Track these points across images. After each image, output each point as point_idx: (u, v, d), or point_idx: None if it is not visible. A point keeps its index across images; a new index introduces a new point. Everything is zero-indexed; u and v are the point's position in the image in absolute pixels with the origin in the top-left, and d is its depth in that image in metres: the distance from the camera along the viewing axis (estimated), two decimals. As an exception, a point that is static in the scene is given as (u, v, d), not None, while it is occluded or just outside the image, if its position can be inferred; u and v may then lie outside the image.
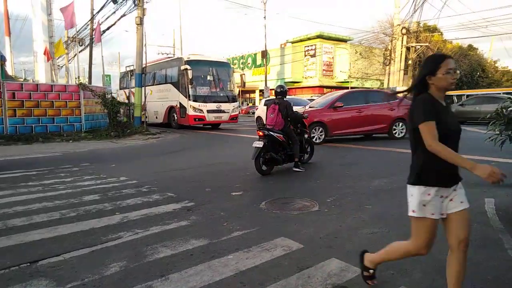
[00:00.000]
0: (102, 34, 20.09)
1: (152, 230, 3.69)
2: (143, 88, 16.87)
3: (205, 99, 16.67)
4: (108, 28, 20.49)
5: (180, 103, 17.12)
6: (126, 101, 17.73)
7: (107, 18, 19.53)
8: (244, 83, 18.65)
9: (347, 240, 3.32)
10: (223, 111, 17.36)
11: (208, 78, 17.29)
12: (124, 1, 16.95)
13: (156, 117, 19.77)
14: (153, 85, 19.65)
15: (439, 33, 34.94)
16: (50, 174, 6.91)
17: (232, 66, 19.48)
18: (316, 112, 10.70)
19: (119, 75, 25.43)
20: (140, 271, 2.79)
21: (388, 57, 30.98)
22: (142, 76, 17.46)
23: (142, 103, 16.84)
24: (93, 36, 20.80)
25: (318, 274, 2.66)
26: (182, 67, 16.32)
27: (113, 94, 17.00)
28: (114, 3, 17.18)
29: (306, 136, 7.26)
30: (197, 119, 16.58)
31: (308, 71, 44.04)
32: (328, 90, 42.41)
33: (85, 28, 24.72)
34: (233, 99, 17.96)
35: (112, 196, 5.15)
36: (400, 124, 11.28)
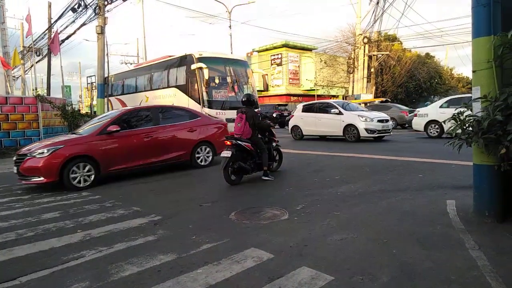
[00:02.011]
0: (61, 44, 19.38)
1: (117, 247, 3.53)
2: (127, 96, 16.09)
3: (223, 105, 13.50)
4: (67, 38, 19.72)
5: None
6: (111, 109, 17.10)
7: (66, 27, 18.66)
8: (267, 85, 16.05)
9: (317, 248, 3.33)
10: None
11: (225, 79, 14.16)
12: (84, 10, 16.40)
13: None
14: (150, 90, 16.65)
15: (399, 42, 36.48)
16: (6, 192, 6.53)
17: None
18: (80, 141, 6.95)
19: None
20: (104, 291, 2.66)
21: (352, 66, 31.94)
22: (109, 85, 16.87)
23: None
24: (50, 46, 19.98)
25: (289, 283, 2.64)
26: (194, 66, 13.20)
27: (73, 106, 16.35)
28: (74, 12, 16.56)
29: (274, 144, 7.29)
30: None
31: (275, 80, 44.57)
32: (295, 98, 43.15)
33: (42, 38, 23.74)
34: (255, 105, 15.41)
35: (73, 212, 4.91)
36: (205, 148, 8.58)
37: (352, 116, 12.76)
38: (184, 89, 14.22)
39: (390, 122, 13.16)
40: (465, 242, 3.26)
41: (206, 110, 12.93)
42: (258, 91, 16.49)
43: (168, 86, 15.34)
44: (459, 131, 3.84)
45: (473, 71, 3.81)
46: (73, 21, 17.27)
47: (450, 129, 3.96)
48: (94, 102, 17.14)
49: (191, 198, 5.52)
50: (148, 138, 7.64)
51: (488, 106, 3.52)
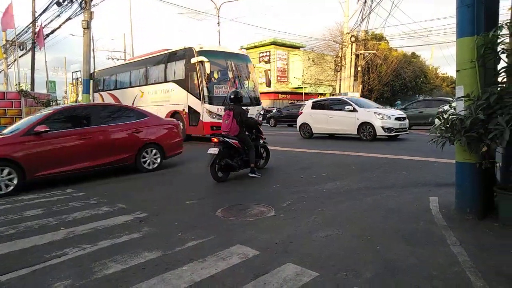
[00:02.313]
0: (45, 38, 18.97)
1: (101, 245, 3.49)
2: (118, 91, 15.72)
3: (224, 101, 12.53)
4: (52, 32, 19.32)
5: (189, 107, 13.27)
6: None
7: (51, 21, 18.22)
8: (270, 80, 15.01)
9: (303, 244, 3.35)
10: None
11: (227, 74, 13.40)
12: (69, 4, 16.06)
13: None
14: (145, 85, 15.84)
15: (386, 42, 36.88)
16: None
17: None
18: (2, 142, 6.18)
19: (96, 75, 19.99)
20: (87, 289, 2.63)
21: (339, 64, 32.15)
22: (102, 80, 16.41)
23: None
24: (35, 40, 19.56)
25: (274, 280, 2.65)
26: (194, 60, 12.52)
27: (58, 101, 16.02)
28: (58, 6, 16.21)
29: (261, 141, 7.29)
30: (215, 127, 12.13)
31: (263, 77, 44.59)
32: (283, 96, 43.27)
33: (26, 31, 23.20)
34: (257, 102, 14.18)
35: (56, 210, 4.83)
36: (152, 150, 7.83)
37: (368, 113, 12.04)
38: (183, 84, 13.53)
39: (407, 120, 12.52)
40: (447, 239, 3.32)
41: (207, 106, 12.51)
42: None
43: (166, 81, 14.63)
44: (443, 129, 3.90)
45: (457, 71, 3.88)
46: (58, 15, 16.91)
47: (434, 127, 4.02)
48: (80, 98, 16.76)
49: (177, 196, 5.48)
50: (84, 140, 6.85)
51: (471, 105, 3.58)
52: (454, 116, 3.79)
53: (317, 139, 13.45)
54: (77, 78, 18.21)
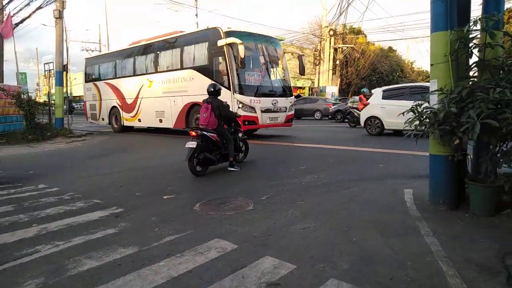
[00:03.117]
0: (14, 28, 18.18)
1: (75, 241, 3.40)
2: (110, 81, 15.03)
3: (257, 91, 11.11)
4: (22, 21, 18.53)
5: None
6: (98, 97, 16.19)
7: (20, 10, 17.43)
8: (304, 67, 12.98)
9: (281, 237, 3.37)
10: (280, 110, 11.77)
11: (258, 60, 11.70)
12: (40, -8, 15.43)
13: (161, 120, 13.69)
14: (154, 72, 13.83)
15: (363, 35, 37.35)
16: (-47, 184, 6.09)
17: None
18: None
19: (85, 63, 18.16)
20: (60, 287, 2.55)
21: (318, 58, 32.37)
22: (97, 67, 15.74)
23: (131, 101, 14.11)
24: (2, 30, 18.67)
25: (252, 273, 2.65)
26: (222, 42, 10.79)
27: (30, 94, 15.43)
28: (28, -6, 15.59)
29: (240, 134, 7.26)
30: (247, 122, 10.68)
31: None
32: (262, 89, 43.13)
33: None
34: (290, 92, 12.61)
35: (28, 206, 4.67)
36: None
37: None
38: (205, 71, 11.63)
39: None
40: (420, 229, 3.41)
41: (238, 97, 10.62)
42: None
43: (182, 68, 12.58)
44: (417, 122, 3.98)
45: (431, 65, 3.96)
46: (28, 4, 16.24)
47: (409, 120, 4.10)
48: (53, 91, 16.18)
49: (154, 190, 5.40)
50: None
51: (444, 98, 3.67)
52: (428, 110, 3.88)
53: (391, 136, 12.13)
54: (49, 70, 17.30)
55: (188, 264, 2.83)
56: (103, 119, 16.87)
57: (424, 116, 3.90)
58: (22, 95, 13.18)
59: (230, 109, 7.40)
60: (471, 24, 3.59)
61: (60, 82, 15.46)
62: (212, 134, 6.39)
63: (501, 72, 3.66)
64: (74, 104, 29.15)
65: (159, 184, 5.87)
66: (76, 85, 31.32)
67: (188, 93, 12.32)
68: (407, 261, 2.78)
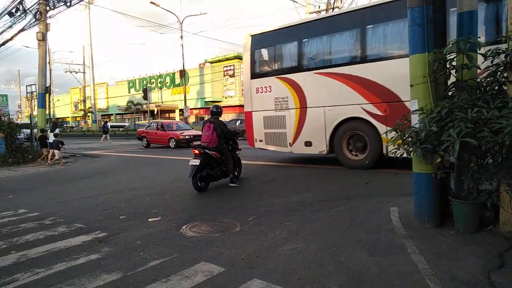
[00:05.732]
0: (-3, 50, 17.99)
1: (56, 268, 3.29)
2: None
3: None
4: (3, 43, 18.36)
5: None
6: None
7: (2, 32, 17.23)
8: None
9: (268, 259, 3.33)
10: None
11: None
12: (22, 15, 15.32)
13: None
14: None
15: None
16: None
17: None
18: None
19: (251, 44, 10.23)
20: (39, 318, 2.45)
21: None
22: (258, 55, 9.84)
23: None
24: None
25: (240, 297, 2.60)
26: None
27: (11, 116, 15.14)
28: (10, 16, 15.37)
29: (237, 152, 7.59)
30: None
31: (228, 91, 44.66)
32: (248, 109, 43.29)
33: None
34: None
35: (7, 232, 4.51)
36: None
37: None
38: None
39: None
40: (407, 247, 3.43)
41: None
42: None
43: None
44: (400, 141, 4.06)
45: (411, 85, 4.07)
46: (10, 26, 16.11)
47: (392, 139, 4.18)
48: (35, 113, 15.90)
49: (139, 212, 5.30)
50: None
51: (425, 118, 3.76)
52: (410, 129, 3.96)
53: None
54: (31, 92, 16.84)
55: (174, 289, 2.76)
56: (310, 144, 8.99)
57: (407, 135, 3.98)
58: (2, 117, 12.95)
59: None
60: (449, 46, 3.73)
61: (42, 104, 15.22)
62: (214, 152, 6.72)
63: (477, 92, 3.80)
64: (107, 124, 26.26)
65: (144, 206, 5.76)
66: (59, 107, 30.82)
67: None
68: (395, 280, 2.78)
